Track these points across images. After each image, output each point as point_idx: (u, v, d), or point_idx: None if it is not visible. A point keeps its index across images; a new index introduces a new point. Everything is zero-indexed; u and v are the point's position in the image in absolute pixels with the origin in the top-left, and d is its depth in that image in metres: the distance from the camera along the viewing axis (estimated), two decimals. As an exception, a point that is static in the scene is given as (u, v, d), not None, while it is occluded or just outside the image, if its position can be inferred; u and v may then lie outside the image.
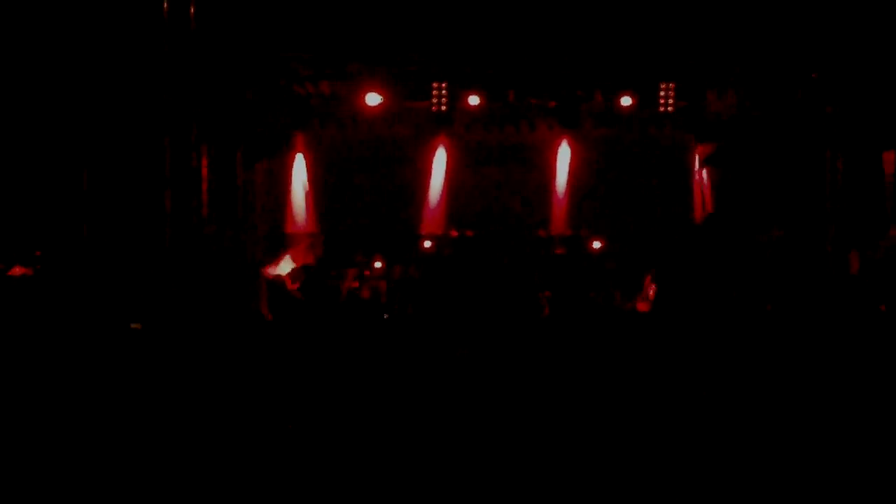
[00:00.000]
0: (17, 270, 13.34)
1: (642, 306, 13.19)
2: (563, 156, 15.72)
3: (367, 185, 15.90)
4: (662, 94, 13.90)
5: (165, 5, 14.00)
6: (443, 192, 15.81)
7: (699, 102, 14.35)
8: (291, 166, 16.20)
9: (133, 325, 11.45)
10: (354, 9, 14.05)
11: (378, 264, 14.80)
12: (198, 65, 14.36)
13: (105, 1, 13.89)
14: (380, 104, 14.80)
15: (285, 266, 14.31)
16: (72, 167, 14.40)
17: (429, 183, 15.89)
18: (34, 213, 14.26)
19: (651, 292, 13.36)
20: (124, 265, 13.26)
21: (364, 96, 14.85)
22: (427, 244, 15.73)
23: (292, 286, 14.00)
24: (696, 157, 15.29)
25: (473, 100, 14.64)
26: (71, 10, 14.11)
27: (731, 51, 13.86)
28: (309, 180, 16.31)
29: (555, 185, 15.70)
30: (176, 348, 10.03)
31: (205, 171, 14.81)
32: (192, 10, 14.13)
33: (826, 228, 13.95)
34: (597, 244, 15.03)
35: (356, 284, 14.16)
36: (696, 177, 15.21)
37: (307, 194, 16.45)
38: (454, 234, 15.34)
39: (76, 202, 14.55)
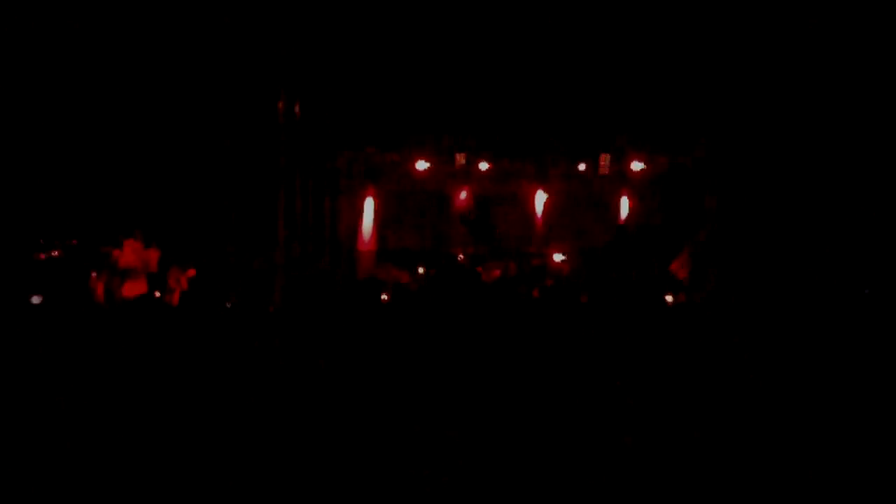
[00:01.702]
0: (191, 272, 15.83)
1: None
2: (539, 200, 19.20)
3: (414, 219, 19.25)
4: (602, 162, 18.45)
5: (281, 105, 17.05)
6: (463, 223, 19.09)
7: (623, 167, 18.61)
8: (363, 207, 19.07)
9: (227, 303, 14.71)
10: (410, 110, 17.84)
11: (421, 270, 17.66)
12: (302, 142, 17.51)
13: (246, 105, 17.12)
14: (424, 169, 18.92)
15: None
16: (223, 206, 17.63)
17: (455, 217, 19.28)
18: (199, 235, 17.06)
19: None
20: (253, 272, 16.55)
21: (415, 163, 18.93)
22: (460, 257, 18.47)
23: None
24: (621, 201, 18.70)
25: (483, 165, 18.94)
26: (228, 110, 17.21)
27: (643, 138, 18.22)
28: (375, 216, 19.11)
29: (534, 218, 19.22)
30: (290, 329, 12.15)
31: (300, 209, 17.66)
32: (297, 107, 17.25)
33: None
34: (558, 257, 18.11)
35: (408, 281, 16.86)
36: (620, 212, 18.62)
37: (373, 226, 19.12)
38: (471, 250, 18.65)
39: (225, 230, 17.57)
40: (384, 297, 15.95)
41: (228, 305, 14.99)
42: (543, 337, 10.69)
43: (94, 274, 14.82)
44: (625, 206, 18.89)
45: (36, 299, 13.48)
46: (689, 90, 17.00)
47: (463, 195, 19.34)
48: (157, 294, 14.93)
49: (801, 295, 13.02)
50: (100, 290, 14.75)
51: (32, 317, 12.63)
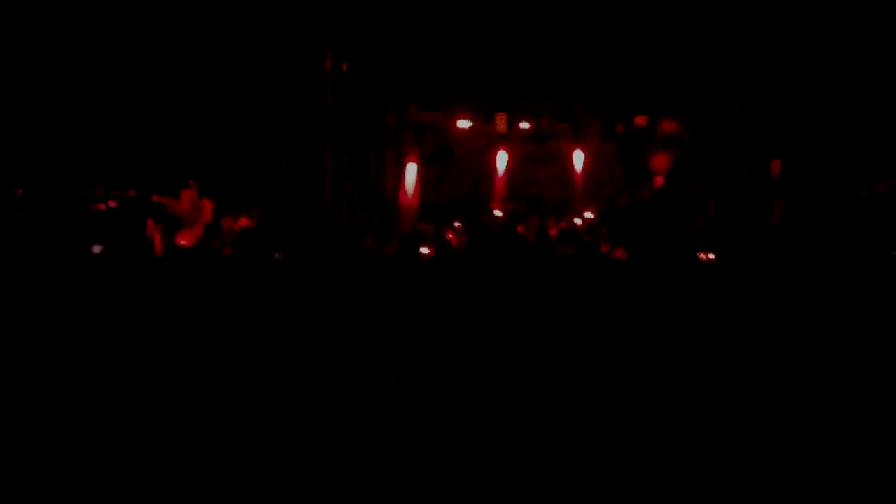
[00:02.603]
0: (243, 221, 15.97)
1: (619, 254, 15.93)
2: (577, 159, 19.53)
3: (456, 176, 19.52)
4: (637, 123, 18.87)
5: (329, 63, 17.74)
6: (503, 181, 19.45)
7: (657, 127, 18.94)
8: (407, 163, 19.37)
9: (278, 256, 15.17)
10: (452, 70, 18.21)
11: (457, 224, 17.71)
12: (350, 100, 18.10)
13: (296, 63, 17.53)
14: (465, 127, 19.28)
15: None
16: (275, 159, 17.86)
17: (496, 175, 19.50)
18: (257, 189, 17.26)
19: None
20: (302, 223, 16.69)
21: (457, 122, 19.29)
22: (496, 213, 18.51)
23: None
24: (656, 160, 18.58)
25: (524, 125, 19.36)
26: (280, 68, 17.46)
27: (677, 97, 18.52)
28: (418, 172, 19.42)
29: (572, 175, 19.56)
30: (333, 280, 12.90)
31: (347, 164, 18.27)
32: (345, 67, 17.93)
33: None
34: (589, 215, 18.39)
35: (451, 236, 17.11)
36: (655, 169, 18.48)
37: (416, 180, 19.39)
38: (511, 206, 18.73)
39: (276, 183, 17.76)
40: (426, 251, 16.61)
41: (278, 256, 15.40)
42: (576, 295, 11.01)
43: (150, 222, 15.04)
44: (661, 165, 18.91)
45: (97, 248, 13.82)
46: (721, 53, 17.15)
47: (504, 154, 19.59)
48: (213, 243, 15.22)
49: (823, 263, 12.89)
50: (157, 238, 14.98)
51: (94, 265, 13.07)
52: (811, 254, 13.09)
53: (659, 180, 17.97)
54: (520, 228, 17.07)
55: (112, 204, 15.64)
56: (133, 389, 6.43)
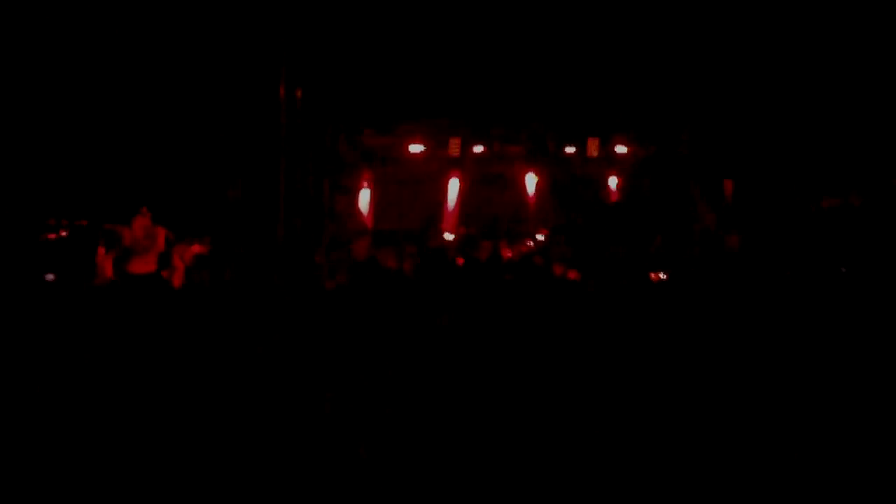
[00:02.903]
0: (196, 248, 15.70)
1: (571, 275, 15.62)
2: (529, 181, 19.70)
3: (410, 201, 19.38)
4: (589, 145, 18.93)
5: (282, 91, 17.35)
6: (455, 205, 19.55)
7: (610, 150, 19.14)
8: (360, 189, 19.47)
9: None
10: (405, 95, 18.18)
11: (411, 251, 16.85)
12: (303, 126, 17.77)
13: (250, 89, 17.27)
14: (419, 152, 19.28)
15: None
16: (227, 186, 17.62)
17: (447, 199, 19.63)
18: (209, 215, 16.91)
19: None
20: (256, 246, 16.54)
21: (409, 147, 19.31)
22: (447, 237, 18.53)
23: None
24: (608, 182, 19.15)
25: (477, 148, 19.39)
26: (233, 94, 17.24)
27: (629, 120, 18.59)
28: (371, 197, 19.51)
29: (525, 199, 19.69)
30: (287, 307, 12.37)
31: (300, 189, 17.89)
32: (298, 93, 17.57)
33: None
34: (540, 237, 18.29)
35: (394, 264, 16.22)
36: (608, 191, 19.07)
37: (369, 206, 19.53)
38: (462, 230, 18.69)
39: (229, 209, 17.42)
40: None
41: (231, 283, 14.89)
42: (527, 317, 10.79)
43: (101, 251, 14.90)
44: (612, 187, 19.32)
45: (49, 277, 13.65)
46: (675, 81, 17.30)
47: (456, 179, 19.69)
48: (164, 273, 15.03)
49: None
50: (108, 267, 14.82)
51: (44, 294, 12.69)
52: (762, 271, 13.24)
53: (612, 201, 18.39)
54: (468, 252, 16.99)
55: (63, 233, 15.46)
56: (82, 413, 6.50)
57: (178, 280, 15.17)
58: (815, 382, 7.15)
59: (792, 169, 15.96)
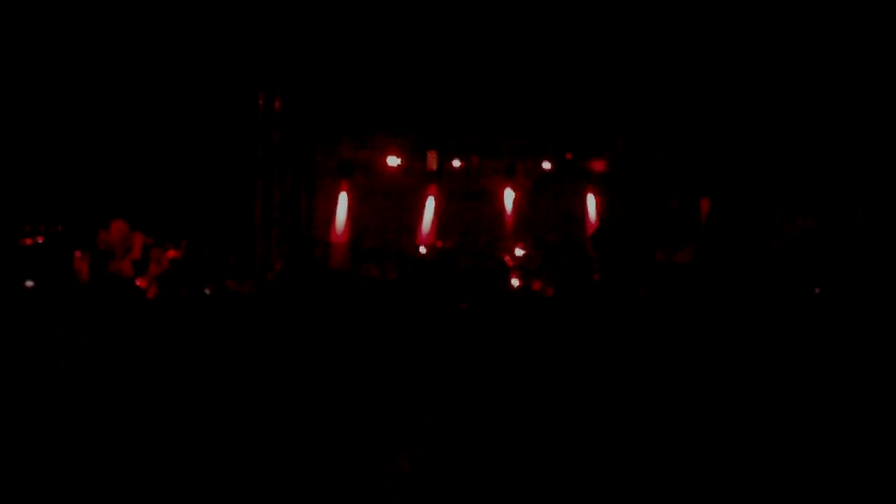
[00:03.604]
0: (171, 253, 15.76)
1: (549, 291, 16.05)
2: (508, 196, 19.62)
3: (386, 214, 19.33)
4: (566, 161, 19.03)
5: (260, 101, 16.96)
6: (433, 218, 19.44)
7: (587, 163, 19.21)
8: (337, 200, 19.34)
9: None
10: (382, 109, 18.24)
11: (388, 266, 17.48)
12: (281, 135, 17.02)
13: (228, 98, 17.33)
14: (396, 165, 19.27)
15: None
16: (204, 194, 17.67)
17: (424, 212, 19.50)
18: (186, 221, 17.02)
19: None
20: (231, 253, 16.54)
21: (386, 159, 19.31)
22: (422, 250, 18.68)
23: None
24: (586, 196, 19.12)
25: (455, 162, 19.39)
26: (211, 102, 17.35)
27: (604, 136, 18.73)
28: (348, 209, 19.32)
29: (502, 213, 19.59)
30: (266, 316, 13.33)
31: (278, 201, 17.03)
32: (277, 102, 16.89)
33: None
34: (519, 252, 18.34)
35: (376, 273, 17.06)
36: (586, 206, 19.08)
37: (346, 219, 19.30)
38: (439, 244, 18.81)
39: (206, 217, 17.51)
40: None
41: (207, 292, 15.24)
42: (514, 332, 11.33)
43: (78, 254, 14.83)
44: (590, 203, 19.34)
45: (29, 283, 13.59)
46: (655, 92, 17.34)
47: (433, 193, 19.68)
48: (139, 282, 14.99)
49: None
50: (83, 269, 14.77)
51: (22, 300, 12.92)
52: (739, 288, 13.36)
53: (589, 217, 18.33)
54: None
55: (39, 239, 15.45)
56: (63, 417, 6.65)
57: (152, 289, 15.14)
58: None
59: (766, 186, 15.88)
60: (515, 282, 16.94)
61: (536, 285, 16.54)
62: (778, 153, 16.32)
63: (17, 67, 16.33)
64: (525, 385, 8.20)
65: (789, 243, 15.32)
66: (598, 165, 19.22)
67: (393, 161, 19.34)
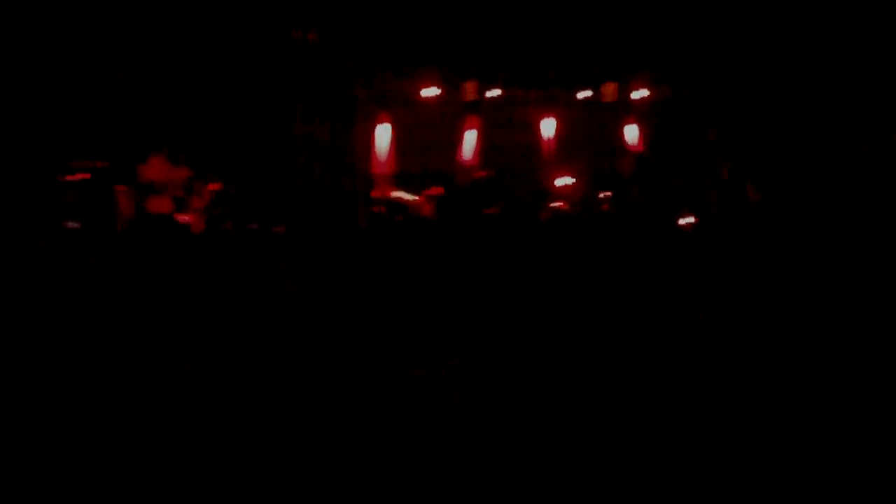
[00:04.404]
0: (214, 186, 15.65)
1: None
2: (547, 126, 19.54)
3: (427, 144, 19.20)
4: (607, 90, 18.92)
5: (298, 33, 17.76)
6: (474, 149, 19.42)
7: (628, 94, 19.06)
8: (376, 131, 19.28)
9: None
10: (420, 41, 18.27)
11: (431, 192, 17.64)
12: (319, 69, 18.04)
13: (265, 32, 17.43)
14: (435, 95, 19.22)
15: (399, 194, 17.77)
16: (246, 128, 17.48)
17: (463, 143, 19.48)
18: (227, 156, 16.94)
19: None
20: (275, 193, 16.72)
21: (425, 90, 19.26)
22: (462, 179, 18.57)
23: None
24: (624, 127, 19.09)
25: (493, 92, 19.30)
26: (249, 36, 17.38)
27: (648, 64, 18.59)
28: (391, 141, 19.24)
29: (541, 144, 19.57)
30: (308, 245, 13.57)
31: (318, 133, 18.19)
32: (311, 35, 17.86)
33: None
34: (563, 181, 18.45)
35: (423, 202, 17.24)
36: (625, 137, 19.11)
37: (388, 149, 19.28)
38: (482, 174, 18.70)
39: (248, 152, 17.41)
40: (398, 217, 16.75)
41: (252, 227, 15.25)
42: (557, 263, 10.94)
43: (120, 190, 14.88)
44: (630, 133, 19.23)
45: (72, 225, 13.58)
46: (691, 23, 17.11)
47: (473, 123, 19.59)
48: (182, 217, 14.94)
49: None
50: (125, 204, 14.81)
51: (67, 239, 12.83)
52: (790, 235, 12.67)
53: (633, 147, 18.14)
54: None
55: (83, 175, 15.41)
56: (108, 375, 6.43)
57: (197, 223, 15.10)
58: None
59: (816, 113, 15.48)
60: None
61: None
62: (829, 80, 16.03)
63: (68, 7, 16.38)
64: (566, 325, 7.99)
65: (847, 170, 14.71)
66: (640, 93, 19.08)
67: (431, 92, 19.19)
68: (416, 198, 17.61)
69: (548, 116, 19.55)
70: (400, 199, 17.32)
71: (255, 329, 7.92)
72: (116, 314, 8.49)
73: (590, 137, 19.16)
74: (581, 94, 19.29)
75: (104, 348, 7.33)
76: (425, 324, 7.94)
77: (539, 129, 19.59)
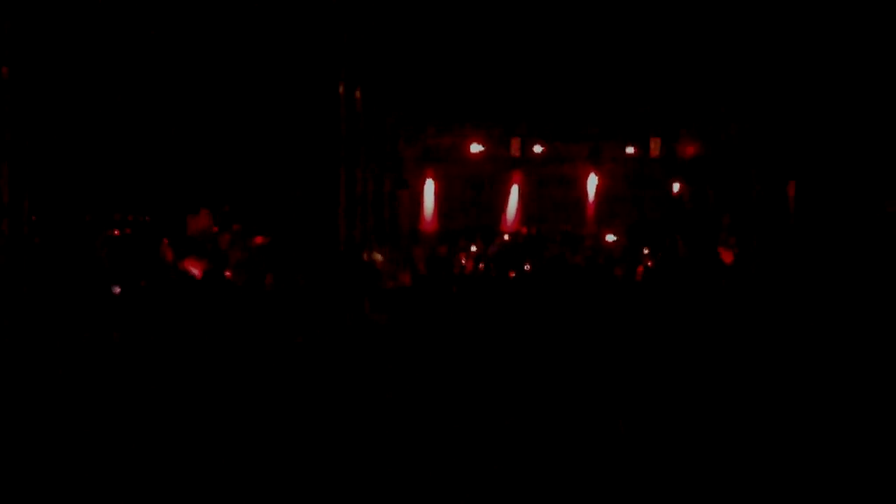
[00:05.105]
0: (258, 239, 15.77)
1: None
2: (591, 182, 19.52)
3: (471, 200, 19.58)
4: (652, 146, 18.81)
5: (341, 90, 17.47)
6: (517, 205, 19.57)
7: (673, 152, 19.04)
8: (424, 188, 19.61)
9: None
10: (466, 97, 18.24)
11: (473, 248, 17.67)
12: (365, 127, 18.01)
13: (309, 90, 17.00)
14: (480, 151, 19.36)
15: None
16: (288, 188, 17.05)
17: (508, 200, 19.64)
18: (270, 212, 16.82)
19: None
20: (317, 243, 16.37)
21: (470, 146, 19.41)
22: (506, 237, 18.45)
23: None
24: (671, 184, 19.03)
25: (537, 148, 19.33)
26: (293, 95, 16.95)
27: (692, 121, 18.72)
28: (435, 197, 19.61)
29: (586, 200, 19.58)
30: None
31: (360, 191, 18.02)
32: (357, 93, 17.82)
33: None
34: (610, 237, 18.39)
35: (464, 260, 17.08)
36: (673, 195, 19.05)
37: (434, 206, 19.60)
38: (524, 230, 18.82)
39: (290, 211, 17.01)
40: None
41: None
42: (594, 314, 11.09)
43: (165, 241, 14.56)
44: (675, 188, 19.11)
45: (116, 290, 12.98)
46: (732, 76, 16.78)
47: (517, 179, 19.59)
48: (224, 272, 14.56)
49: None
50: (169, 256, 14.45)
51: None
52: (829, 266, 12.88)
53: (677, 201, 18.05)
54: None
55: (126, 231, 15.45)
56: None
57: (237, 277, 14.72)
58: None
59: (853, 169, 15.28)
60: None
61: (618, 271, 16.12)
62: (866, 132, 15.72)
63: (114, 61, 16.27)
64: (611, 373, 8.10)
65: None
66: (686, 151, 18.99)
67: (476, 148, 19.24)
68: (461, 255, 17.38)
69: (592, 172, 19.57)
70: (442, 255, 17.05)
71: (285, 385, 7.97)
72: (154, 370, 8.55)
73: (634, 192, 19.19)
74: (626, 149, 19.26)
75: (146, 400, 7.41)
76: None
77: (583, 185, 19.61)
